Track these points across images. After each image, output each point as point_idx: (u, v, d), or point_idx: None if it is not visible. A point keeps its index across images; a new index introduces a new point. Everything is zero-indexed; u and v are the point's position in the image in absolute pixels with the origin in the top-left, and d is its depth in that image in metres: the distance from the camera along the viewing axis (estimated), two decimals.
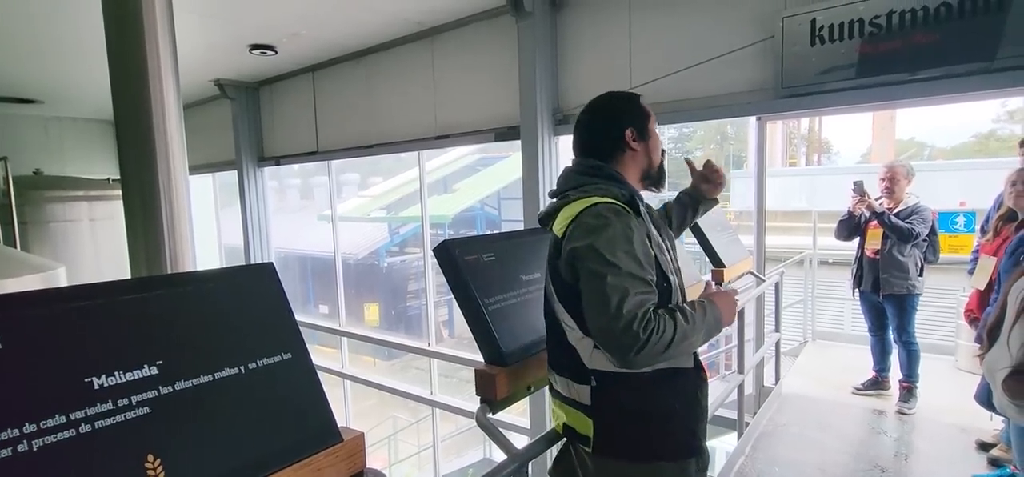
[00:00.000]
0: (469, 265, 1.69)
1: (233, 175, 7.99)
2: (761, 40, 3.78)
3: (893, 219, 3.64)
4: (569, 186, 1.46)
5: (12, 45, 5.55)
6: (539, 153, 4.71)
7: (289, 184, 14.76)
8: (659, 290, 1.33)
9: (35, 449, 0.82)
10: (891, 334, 3.90)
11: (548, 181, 4.70)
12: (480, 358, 1.67)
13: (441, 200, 12.86)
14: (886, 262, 3.71)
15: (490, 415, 1.59)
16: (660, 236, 1.47)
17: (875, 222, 3.78)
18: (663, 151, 1.57)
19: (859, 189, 3.80)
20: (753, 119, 4.09)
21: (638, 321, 1.22)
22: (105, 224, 7.64)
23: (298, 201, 15.18)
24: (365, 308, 12.52)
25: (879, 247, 3.76)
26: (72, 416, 0.87)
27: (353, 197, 14.50)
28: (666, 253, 1.43)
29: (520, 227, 5.11)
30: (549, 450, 1.61)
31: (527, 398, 1.93)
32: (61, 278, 5.83)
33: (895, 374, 3.94)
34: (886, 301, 3.78)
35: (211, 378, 1.05)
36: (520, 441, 1.64)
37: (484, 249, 1.76)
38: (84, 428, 0.88)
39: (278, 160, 7.62)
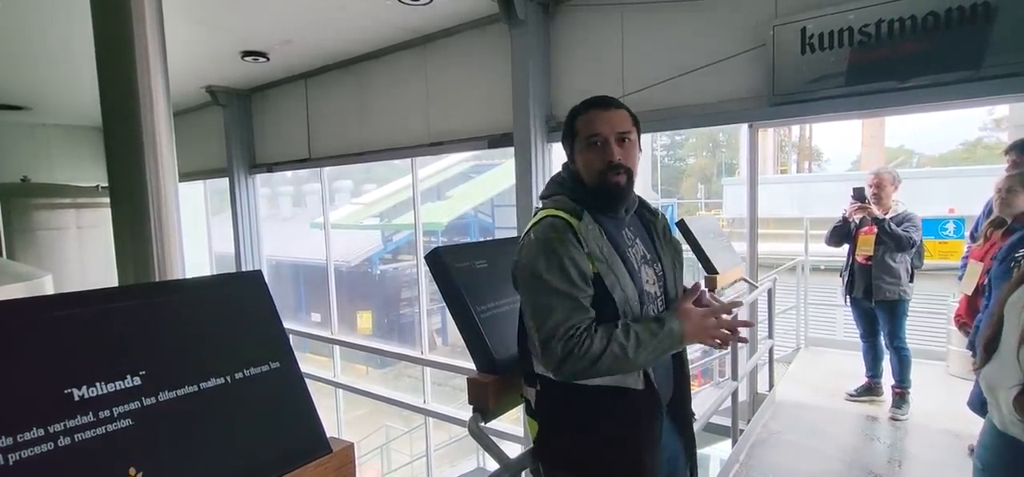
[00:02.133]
0: (461, 272, 1.67)
1: (224, 182, 7.94)
2: (752, 48, 3.81)
3: (893, 226, 3.67)
4: (544, 193, 1.52)
5: (7, 59, 5.49)
6: (532, 160, 4.71)
7: (281, 191, 14.70)
8: (601, 307, 1.31)
9: (11, 463, 0.80)
10: (883, 340, 3.92)
11: (541, 188, 4.70)
12: (473, 366, 1.65)
13: (435, 207, 12.83)
14: (878, 268, 3.74)
15: (482, 424, 1.57)
16: (628, 245, 1.42)
17: (866, 228, 3.81)
18: (602, 171, 1.39)
19: (859, 195, 3.82)
20: (744, 127, 4.11)
21: (558, 338, 1.26)
22: (93, 232, 7.56)
23: (291, 208, 15.11)
24: (358, 316, 12.43)
25: (870, 253, 3.78)
26: (50, 429, 0.85)
27: (346, 204, 14.45)
28: (619, 265, 1.35)
29: (514, 234, 5.09)
30: None
31: (521, 406, 1.90)
32: (47, 286, 5.74)
33: (887, 380, 3.95)
34: (878, 307, 3.80)
35: (196, 389, 1.03)
36: (514, 450, 1.62)
37: (476, 256, 1.75)
38: (63, 441, 0.85)
39: (270, 167, 7.57)
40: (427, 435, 7.77)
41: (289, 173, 8.01)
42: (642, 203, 1.54)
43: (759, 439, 3.54)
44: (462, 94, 5.43)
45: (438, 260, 1.65)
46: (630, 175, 1.40)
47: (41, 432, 0.84)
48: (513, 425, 5.39)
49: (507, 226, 11.32)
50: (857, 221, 3.88)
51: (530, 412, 1.48)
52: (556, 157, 4.89)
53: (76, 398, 0.89)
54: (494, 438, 1.57)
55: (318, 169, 7.18)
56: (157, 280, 2.55)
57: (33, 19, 4.61)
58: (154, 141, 2.52)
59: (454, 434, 9.55)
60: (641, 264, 1.43)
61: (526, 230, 1.41)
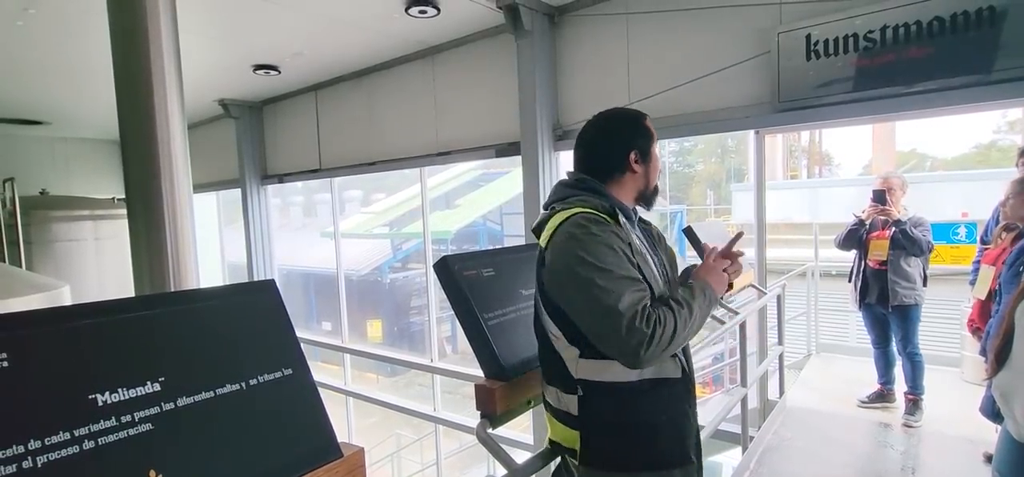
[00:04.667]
0: (468, 280, 1.70)
1: (236, 193, 8.05)
2: (757, 55, 3.83)
3: (912, 230, 3.65)
4: (555, 198, 1.50)
5: (20, 68, 5.63)
6: (539, 168, 4.74)
7: (292, 201, 14.85)
8: None
9: (39, 465, 0.84)
10: (895, 346, 3.89)
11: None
12: (481, 374, 1.68)
13: (443, 215, 12.90)
14: (894, 273, 3.71)
15: (490, 430, 1.60)
16: (647, 247, 1.49)
17: (878, 232, 3.79)
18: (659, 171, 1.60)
19: (880, 198, 3.80)
20: (751, 133, 4.12)
21: (639, 317, 1.24)
22: (110, 243, 7.68)
23: (301, 218, 15.25)
24: (368, 324, 12.51)
25: (883, 258, 3.76)
26: (76, 432, 0.89)
27: (356, 213, 14.57)
28: (650, 263, 1.43)
29: (522, 242, 5.12)
30: (550, 465, 1.61)
31: (530, 413, 1.93)
32: (65, 297, 5.86)
33: (900, 386, 3.91)
34: (892, 312, 3.77)
35: (212, 394, 1.06)
36: (521, 457, 1.64)
37: (483, 264, 1.78)
38: (88, 445, 0.89)
39: (281, 178, 7.68)
40: (437, 443, 7.77)
41: (300, 183, 8.10)
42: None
43: (770, 446, 3.53)
44: (470, 104, 5.48)
45: (446, 268, 1.68)
46: None
47: (67, 436, 0.88)
48: (523, 433, 5.39)
49: (516, 233, 11.35)
50: (869, 225, 3.86)
51: (566, 420, 1.44)
52: (563, 165, 4.91)
53: (100, 403, 0.93)
54: (503, 445, 1.59)
55: (328, 179, 7.27)
56: (173, 290, 2.61)
57: (52, 36, 4.73)
58: (169, 154, 2.58)
59: (464, 442, 9.56)
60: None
61: (549, 235, 1.39)
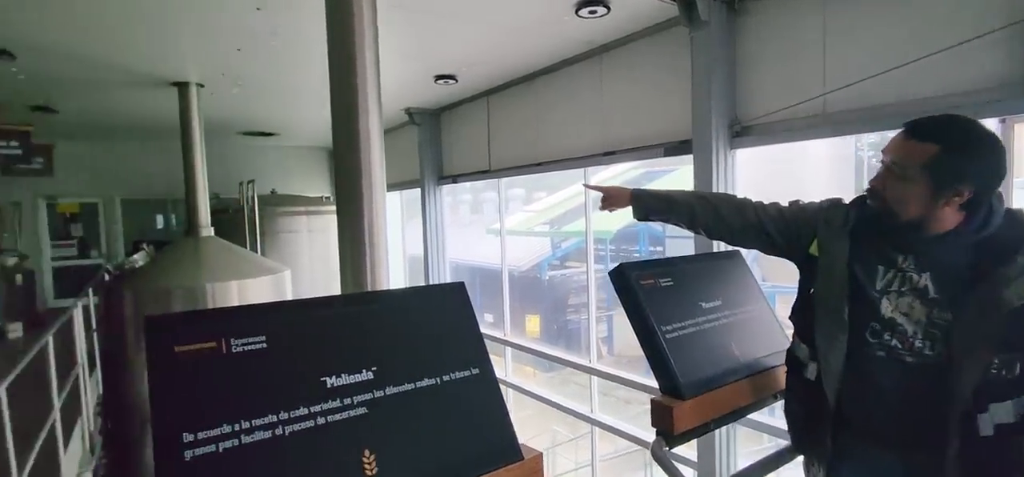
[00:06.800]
0: (645, 290, 1.64)
1: (415, 192, 8.91)
2: (1006, 26, 3.09)
3: None
4: None
5: (264, 93, 6.92)
6: (713, 167, 4.42)
7: (461, 200, 15.99)
8: None
9: (286, 434, 0.99)
10: None
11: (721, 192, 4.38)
12: (642, 381, 1.61)
13: (604, 215, 12.77)
14: None
15: (666, 448, 1.52)
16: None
17: None
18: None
19: None
20: (996, 121, 3.35)
21: None
22: (318, 235, 9.09)
23: (469, 215, 16.37)
24: (527, 319, 12.96)
25: None
26: (311, 409, 1.04)
27: (518, 211, 15.16)
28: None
29: (688, 246, 4.87)
30: None
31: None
32: (288, 279, 7.05)
33: None
34: None
35: (413, 386, 1.16)
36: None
37: (662, 273, 1.70)
38: (320, 421, 1.03)
39: (455, 178, 8.30)
40: (593, 444, 7.73)
41: (468, 183, 8.69)
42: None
43: None
44: (637, 102, 5.33)
45: (622, 276, 1.64)
46: (882, 200, 1.39)
47: (305, 411, 1.03)
48: (687, 449, 5.10)
49: (679, 235, 10.79)
50: None
51: None
52: (740, 164, 4.52)
53: (328, 385, 1.07)
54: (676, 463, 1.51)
55: (496, 179, 7.67)
56: (368, 279, 2.96)
57: (285, 65, 5.71)
58: (369, 161, 2.93)
59: (619, 447, 9.37)
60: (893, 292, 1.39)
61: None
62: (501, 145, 7.29)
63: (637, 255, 13.83)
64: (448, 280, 8.80)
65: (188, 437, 0.90)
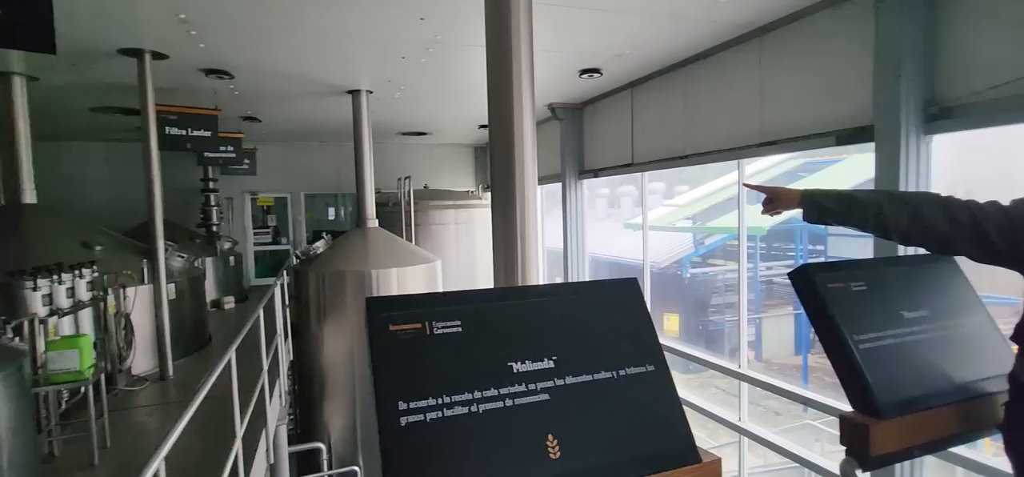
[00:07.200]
0: (834, 294, 1.49)
1: (556, 186, 9.02)
2: None
3: None
4: None
5: (421, 96, 7.53)
6: (900, 157, 3.84)
7: (599, 193, 15.87)
8: None
9: (480, 411, 1.08)
10: None
11: (912, 189, 3.79)
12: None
13: (754, 210, 11.82)
14: None
15: (859, 471, 1.38)
16: None
17: None
18: None
19: None
20: None
21: None
22: (464, 227, 9.67)
23: (606, 209, 16.18)
24: (665, 317, 12.46)
25: None
26: (500, 391, 1.11)
27: (658, 206, 14.64)
28: None
29: (857, 245, 4.29)
30: None
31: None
32: (438, 269, 7.62)
33: None
34: None
35: (591, 378, 1.19)
36: None
37: (853, 277, 1.53)
38: (508, 403, 1.11)
39: (596, 172, 8.25)
40: (740, 455, 7.22)
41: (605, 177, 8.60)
42: None
43: None
44: (803, 86, 4.82)
45: (806, 279, 1.51)
46: None
47: (494, 393, 1.11)
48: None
49: (845, 234, 9.58)
50: None
51: None
52: (936, 151, 3.88)
53: (515, 370, 1.14)
54: None
55: (639, 173, 7.47)
56: (519, 274, 3.08)
57: (439, 70, 6.15)
58: (522, 157, 3.05)
59: (770, 461, 8.64)
60: None
61: None
62: (645, 138, 7.09)
63: (793, 254, 12.58)
64: (587, 275, 8.80)
65: (403, 406, 1.02)
